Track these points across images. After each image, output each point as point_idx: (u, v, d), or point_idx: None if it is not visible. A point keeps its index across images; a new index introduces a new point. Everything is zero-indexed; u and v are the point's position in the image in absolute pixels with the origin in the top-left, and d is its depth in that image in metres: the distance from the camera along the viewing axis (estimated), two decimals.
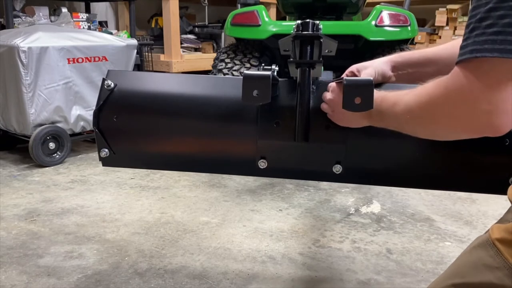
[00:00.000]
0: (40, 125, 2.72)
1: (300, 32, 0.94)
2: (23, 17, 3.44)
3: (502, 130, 0.64)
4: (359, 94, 0.83)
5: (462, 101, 0.66)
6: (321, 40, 0.92)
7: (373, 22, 2.50)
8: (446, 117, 0.70)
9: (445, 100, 0.69)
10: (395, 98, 0.82)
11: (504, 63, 0.59)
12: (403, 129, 0.82)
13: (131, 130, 1.07)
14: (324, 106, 0.98)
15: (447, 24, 5.56)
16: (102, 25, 4.34)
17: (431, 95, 0.72)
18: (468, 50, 0.63)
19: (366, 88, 0.84)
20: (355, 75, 1.01)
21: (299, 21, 0.95)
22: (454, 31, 5.50)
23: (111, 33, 3.78)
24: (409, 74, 1.04)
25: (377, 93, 0.85)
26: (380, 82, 1.03)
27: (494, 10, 0.59)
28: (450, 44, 1.01)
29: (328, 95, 0.96)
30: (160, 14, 4.56)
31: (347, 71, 1.04)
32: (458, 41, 0.99)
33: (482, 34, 0.61)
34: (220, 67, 2.67)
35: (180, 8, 4.52)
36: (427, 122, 0.75)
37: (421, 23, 5.71)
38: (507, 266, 0.65)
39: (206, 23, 5.41)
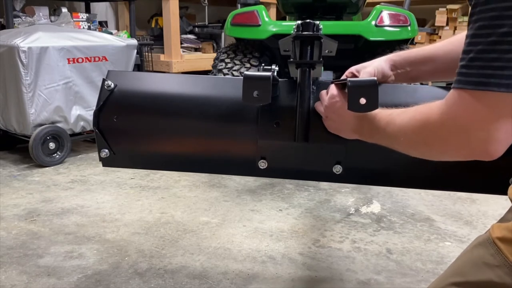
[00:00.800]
0: (40, 125, 2.72)
1: (300, 32, 0.94)
2: (23, 17, 3.43)
3: (495, 156, 0.66)
4: (364, 94, 0.83)
5: (459, 129, 0.67)
6: (322, 40, 0.92)
7: (373, 22, 2.50)
8: (440, 141, 0.71)
9: (440, 126, 0.69)
10: (387, 118, 0.82)
11: (508, 97, 0.61)
12: (394, 147, 0.83)
13: (131, 131, 1.07)
14: (319, 108, 0.98)
15: (447, 24, 5.56)
16: (102, 25, 4.34)
17: (426, 120, 0.72)
18: (472, 81, 0.63)
19: (371, 88, 0.84)
20: (355, 76, 1.01)
21: (299, 21, 0.94)
22: (454, 31, 5.50)
23: (111, 33, 3.78)
24: (408, 73, 1.04)
25: (370, 111, 0.85)
26: (380, 81, 1.02)
27: (498, 43, 0.60)
28: (446, 42, 1.01)
29: (325, 101, 0.96)
30: (160, 14, 4.56)
31: (346, 73, 1.04)
32: (455, 37, 1.00)
33: (487, 67, 0.62)
34: (220, 67, 2.67)
35: (180, 8, 4.52)
36: (420, 144, 0.76)
37: (421, 23, 5.70)
38: (507, 265, 0.66)
39: (206, 23, 5.41)
